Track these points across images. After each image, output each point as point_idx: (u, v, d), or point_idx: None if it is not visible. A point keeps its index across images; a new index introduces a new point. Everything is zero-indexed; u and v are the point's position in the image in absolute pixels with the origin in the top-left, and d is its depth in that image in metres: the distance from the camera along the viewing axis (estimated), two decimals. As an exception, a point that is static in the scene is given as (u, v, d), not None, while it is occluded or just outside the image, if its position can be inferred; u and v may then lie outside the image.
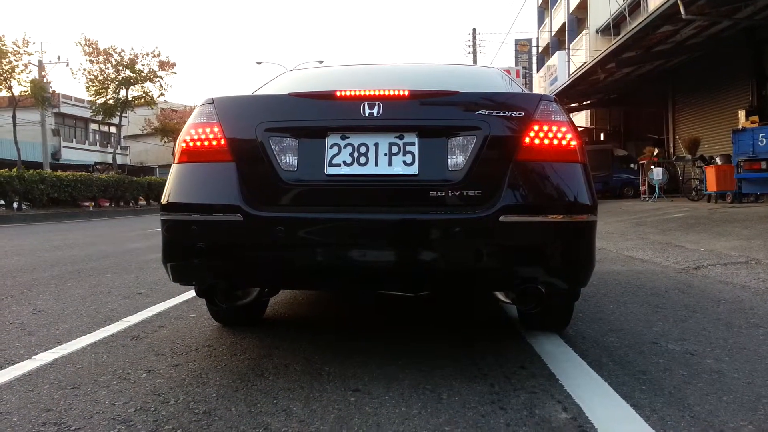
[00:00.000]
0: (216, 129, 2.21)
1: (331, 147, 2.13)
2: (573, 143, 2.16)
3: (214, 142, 2.20)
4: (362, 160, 2.11)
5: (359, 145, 2.12)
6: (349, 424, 1.70)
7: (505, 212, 2.03)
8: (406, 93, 2.17)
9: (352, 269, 2.12)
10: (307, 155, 2.14)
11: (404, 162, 2.10)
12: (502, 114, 2.14)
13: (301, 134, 2.16)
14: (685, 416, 1.73)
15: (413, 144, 2.11)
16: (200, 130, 2.24)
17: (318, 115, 2.20)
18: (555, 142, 2.14)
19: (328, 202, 2.13)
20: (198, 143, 2.24)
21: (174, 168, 2.31)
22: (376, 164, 2.11)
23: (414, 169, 2.09)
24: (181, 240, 2.24)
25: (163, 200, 2.28)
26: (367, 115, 2.12)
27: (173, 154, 2.47)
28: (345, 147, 2.12)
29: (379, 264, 2.12)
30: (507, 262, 2.09)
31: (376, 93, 2.14)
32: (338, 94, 2.18)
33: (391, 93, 2.15)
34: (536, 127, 2.12)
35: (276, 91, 2.72)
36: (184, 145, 2.28)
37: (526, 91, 2.69)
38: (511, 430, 1.64)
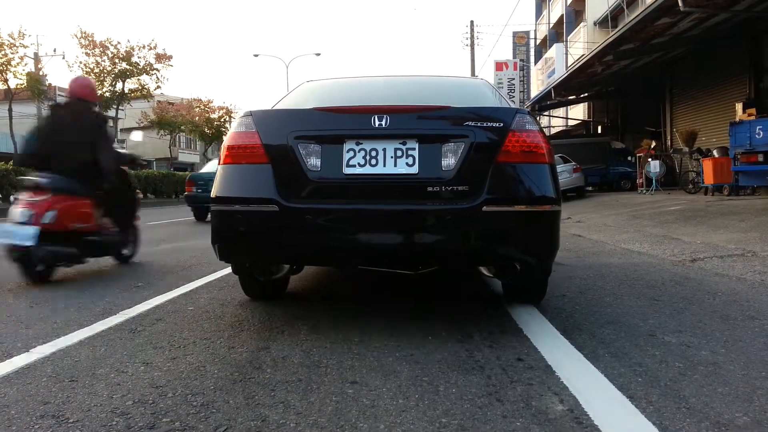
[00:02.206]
0: (254, 137, 2.65)
1: (347, 151, 2.56)
2: (542, 148, 2.58)
3: (254, 147, 2.63)
4: (373, 161, 2.54)
5: (371, 150, 2.55)
6: (347, 416, 1.71)
7: (486, 203, 2.46)
8: (408, 108, 2.67)
9: (365, 250, 2.60)
10: (328, 158, 2.57)
11: (406, 163, 2.53)
12: (485, 125, 2.56)
13: (323, 141, 2.59)
14: (680, 408, 1.74)
15: (414, 149, 2.54)
16: (241, 138, 2.68)
17: (337, 126, 2.62)
18: (527, 147, 2.55)
19: (346, 195, 2.56)
20: (240, 148, 2.66)
21: (220, 168, 2.73)
22: (384, 165, 2.53)
23: (414, 169, 2.52)
24: (227, 226, 2.69)
25: (213, 194, 2.69)
26: (376, 125, 2.54)
27: (218, 156, 2.96)
28: (359, 151, 2.55)
29: (387, 245, 2.57)
30: (488, 243, 2.55)
31: (384, 108, 2.59)
32: (354, 108, 2.70)
33: (396, 108, 2.63)
34: (512, 136, 2.55)
35: (296, 102, 3.26)
36: (228, 149, 2.70)
37: (507, 105, 3.13)
38: (507, 422, 1.65)
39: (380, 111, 2.56)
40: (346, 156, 2.55)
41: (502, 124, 2.56)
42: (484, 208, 2.45)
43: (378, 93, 3.48)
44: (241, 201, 2.61)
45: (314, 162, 2.56)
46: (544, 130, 32.96)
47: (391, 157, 2.54)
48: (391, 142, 2.55)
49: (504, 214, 2.50)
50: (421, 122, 2.61)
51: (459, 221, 2.47)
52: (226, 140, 2.76)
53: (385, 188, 2.54)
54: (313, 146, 2.57)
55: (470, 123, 2.56)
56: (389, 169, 2.53)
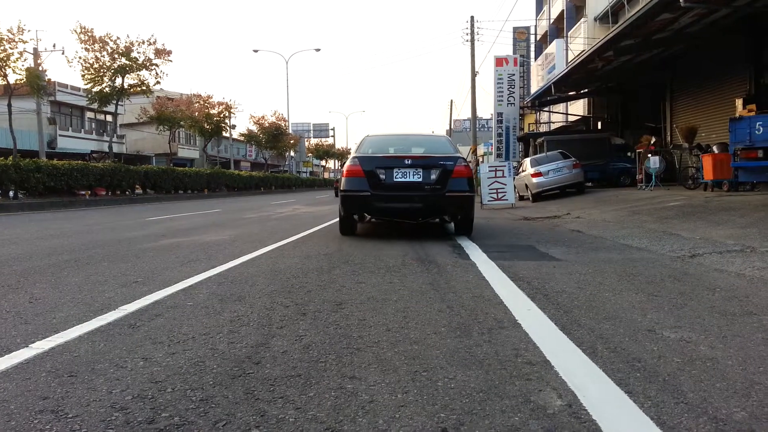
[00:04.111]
0: (358, 166, 6.66)
1: (395, 172, 6.55)
2: (469, 171, 6.81)
3: (359, 170, 6.63)
4: (405, 176, 6.54)
5: (404, 171, 6.53)
6: (346, 411, 1.71)
7: (447, 192, 6.53)
8: (418, 156, 6.85)
9: (400, 210, 6.83)
10: (388, 174, 6.55)
11: (417, 177, 6.54)
12: (446, 162, 6.63)
13: (386, 168, 6.57)
14: (679, 403, 1.74)
15: (420, 172, 6.55)
16: (352, 167, 6.71)
17: (392, 163, 6.63)
18: (461, 171, 6.62)
19: (395, 188, 6.55)
20: (352, 170, 6.69)
21: (343, 179, 6.81)
22: (409, 177, 6.54)
23: (420, 179, 6.55)
24: (349, 200, 6.82)
25: (341, 188, 6.83)
26: (407, 163, 6.58)
27: (340, 172, 8.18)
28: (400, 172, 6.53)
29: (408, 208, 6.71)
30: (447, 207, 6.75)
31: (409, 156, 6.78)
32: (398, 156, 6.84)
33: (413, 156, 6.81)
34: (456, 167, 6.60)
35: (366, 148, 7.27)
36: (347, 171, 6.80)
37: (457, 152, 7.17)
38: (506, 417, 1.65)
39: (408, 157, 6.63)
40: (395, 174, 6.49)
41: (453, 162, 6.59)
42: (446, 194, 6.47)
43: (405, 145, 7.65)
44: (354, 191, 6.60)
45: (383, 176, 6.49)
46: (544, 125, 33.03)
47: (411, 174, 6.47)
48: (412, 169, 6.49)
49: (454, 196, 6.52)
50: (422, 161, 6.59)
51: (437, 199, 6.51)
52: (345, 167, 6.96)
53: (409, 186, 6.47)
54: (382, 170, 6.51)
55: (441, 162, 6.58)
56: (411, 179, 6.48)
